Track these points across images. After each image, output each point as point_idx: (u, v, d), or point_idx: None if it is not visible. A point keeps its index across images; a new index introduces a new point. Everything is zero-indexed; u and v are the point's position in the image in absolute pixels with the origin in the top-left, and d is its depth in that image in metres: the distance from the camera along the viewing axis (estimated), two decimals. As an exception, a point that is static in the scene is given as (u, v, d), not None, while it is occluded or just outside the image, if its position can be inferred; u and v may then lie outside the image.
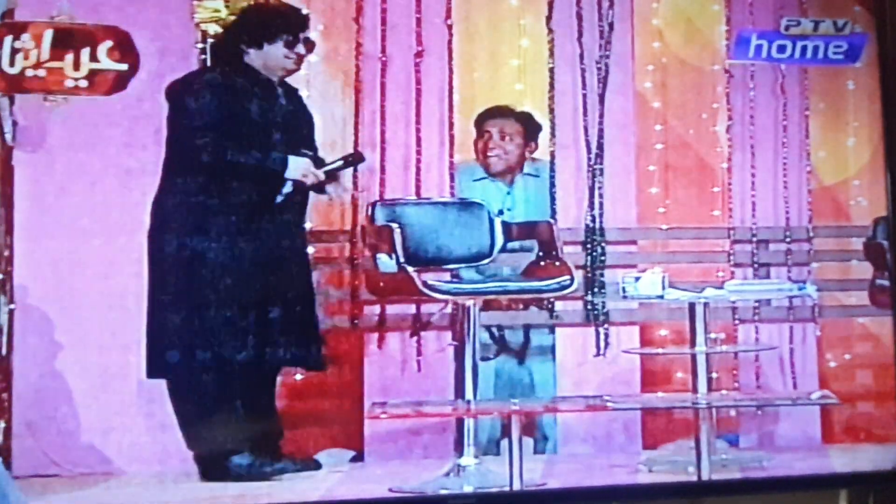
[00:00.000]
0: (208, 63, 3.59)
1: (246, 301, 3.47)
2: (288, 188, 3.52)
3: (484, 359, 3.73)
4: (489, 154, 3.85)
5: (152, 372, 3.45)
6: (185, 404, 3.47)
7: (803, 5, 3.97)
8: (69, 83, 3.47)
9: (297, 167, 3.54)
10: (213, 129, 3.48)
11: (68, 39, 3.47)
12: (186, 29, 3.62)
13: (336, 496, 3.44)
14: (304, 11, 3.65)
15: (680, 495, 3.63)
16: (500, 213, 3.82)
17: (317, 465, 3.57)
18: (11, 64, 3.43)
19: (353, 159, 3.65)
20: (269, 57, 3.59)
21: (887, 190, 3.88)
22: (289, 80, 3.65)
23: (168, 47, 3.58)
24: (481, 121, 3.84)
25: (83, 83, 3.48)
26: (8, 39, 3.42)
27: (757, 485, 3.68)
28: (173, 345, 3.44)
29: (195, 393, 3.46)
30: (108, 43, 3.50)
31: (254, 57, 3.58)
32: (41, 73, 3.45)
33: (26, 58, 3.44)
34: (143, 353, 3.45)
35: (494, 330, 3.82)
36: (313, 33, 3.71)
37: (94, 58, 3.49)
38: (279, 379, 3.59)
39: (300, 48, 3.61)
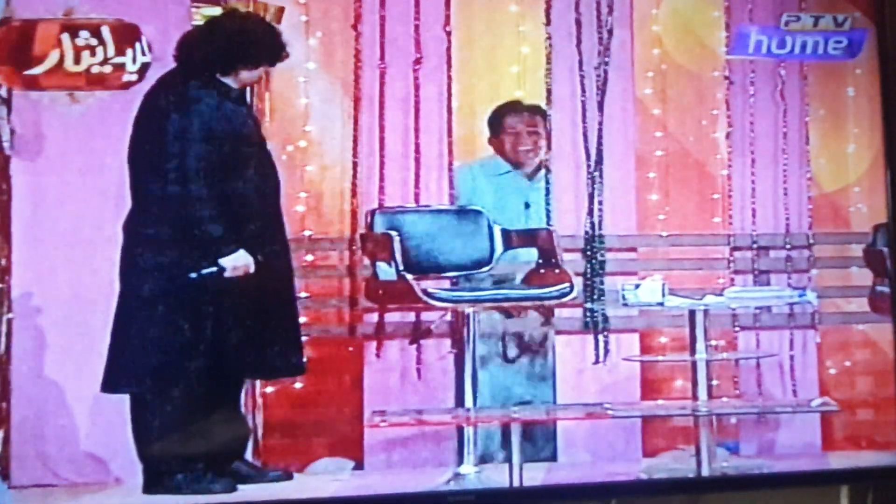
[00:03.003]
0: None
1: (211, 313, 3.44)
2: (210, 270, 3.42)
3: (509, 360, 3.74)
4: (520, 150, 3.84)
5: (108, 387, 3.41)
6: (144, 418, 3.43)
7: (802, 11, 3.97)
8: (126, 77, 3.49)
9: (237, 262, 3.44)
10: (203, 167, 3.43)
11: (125, 34, 3.49)
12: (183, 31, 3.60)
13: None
14: (283, 37, 3.60)
15: (679, 492, 3.64)
16: (528, 206, 3.81)
17: (287, 476, 3.56)
18: (77, 62, 3.42)
19: None
20: (244, 78, 3.56)
21: (887, 197, 3.88)
22: (285, 87, 3.65)
23: (165, 49, 3.56)
24: (501, 117, 3.83)
25: (134, 77, 3.50)
26: (66, 37, 3.42)
27: (757, 481, 3.69)
28: (133, 361, 3.40)
29: (153, 408, 3.42)
30: (144, 38, 3.53)
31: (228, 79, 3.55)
32: (107, 69, 3.45)
33: (93, 55, 3.44)
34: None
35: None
36: (312, 40, 3.71)
37: (143, 52, 3.51)
38: (272, 389, 3.60)
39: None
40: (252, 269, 3.45)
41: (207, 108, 3.46)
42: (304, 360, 3.58)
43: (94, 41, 3.43)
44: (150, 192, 3.43)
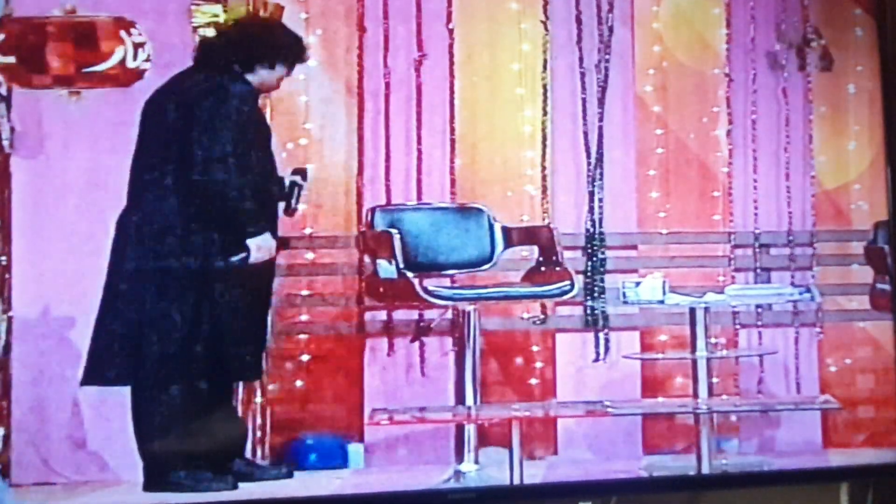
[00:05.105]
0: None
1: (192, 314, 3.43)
2: (238, 258, 3.43)
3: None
4: None
5: (88, 379, 3.41)
6: (143, 415, 3.43)
7: (805, 9, 3.97)
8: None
9: (262, 245, 3.46)
10: (234, 152, 3.44)
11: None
12: (183, 31, 3.59)
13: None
14: (305, 41, 3.63)
15: (680, 489, 3.64)
16: None
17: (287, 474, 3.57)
18: (135, 58, 3.50)
19: (302, 176, 3.61)
20: (262, 78, 3.57)
21: (888, 194, 3.88)
22: (285, 85, 3.64)
23: (164, 48, 3.56)
24: None
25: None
26: (124, 34, 3.50)
27: (757, 479, 3.70)
28: (109, 355, 3.40)
29: (153, 405, 3.42)
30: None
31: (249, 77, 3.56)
32: (147, 65, 3.52)
33: (143, 50, 3.53)
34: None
35: None
36: (312, 38, 3.71)
37: None
38: (273, 386, 3.60)
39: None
40: (273, 255, 3.48)
41: (240, 99, 3.47)
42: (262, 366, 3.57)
43: (142, 38, 3.52)
44: (177, 181, 3.42)
